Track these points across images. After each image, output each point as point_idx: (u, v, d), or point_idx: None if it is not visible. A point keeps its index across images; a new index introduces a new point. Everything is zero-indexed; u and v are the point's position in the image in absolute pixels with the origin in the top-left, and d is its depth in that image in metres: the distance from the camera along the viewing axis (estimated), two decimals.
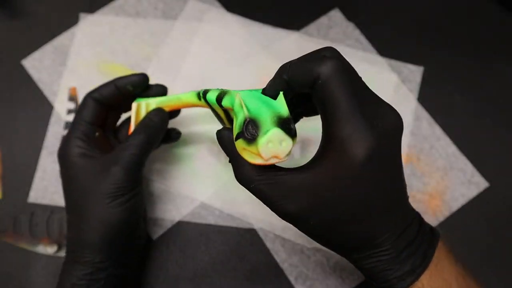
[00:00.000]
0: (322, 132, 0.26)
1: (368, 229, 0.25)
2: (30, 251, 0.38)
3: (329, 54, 0.25)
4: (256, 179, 0.26)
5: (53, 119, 0.42)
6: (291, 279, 0.38)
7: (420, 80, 0.45)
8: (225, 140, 0.28)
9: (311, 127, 0.44)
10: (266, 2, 0.47)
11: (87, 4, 0.45)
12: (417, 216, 0.27)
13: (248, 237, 0.40)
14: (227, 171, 0.41)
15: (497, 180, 0.42)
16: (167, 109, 0.36)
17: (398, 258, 0.26)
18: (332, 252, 0.38)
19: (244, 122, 0.24)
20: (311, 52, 0.26)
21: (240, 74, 0.44)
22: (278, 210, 0.26)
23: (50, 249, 0.38)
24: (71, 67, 0.43)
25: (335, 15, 0.47)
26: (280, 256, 0.39)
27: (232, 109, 0.26)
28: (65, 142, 0.34)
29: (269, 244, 0.39)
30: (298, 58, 0.26)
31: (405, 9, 0.48)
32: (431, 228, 0.28)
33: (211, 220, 0.40)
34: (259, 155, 0.24)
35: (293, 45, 0.46)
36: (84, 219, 0.32)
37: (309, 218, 0.26)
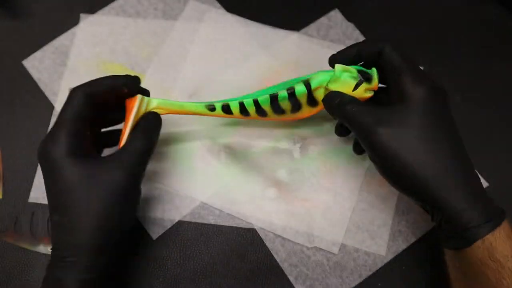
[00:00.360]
0: (389, 88, 0.36)
1: (442, 171, 0.31)
2: (31, 251, 0.38)
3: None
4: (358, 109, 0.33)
5: (53, 119, 0.42)
6: (291, 279, 0.38)
7: None
8: (336, 96, 0.35)
9: (311, 127, 0.44)
10: (266, 3, 0.47)
11: (87, 4, 0.45)
12: (484, 189, 0.32)
13: (248, 237, 0.40)
14: (228, 171, 0.41)
15: (497, 180, 0.42)
16: (165, 111, 0.36)
17: (471, 212, 0.29)
18: (332, 252, 0.39)
19: (358, 74, 0.35)
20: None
21: (240, 75, 0.44)
22: (372, 135, 0.32)
23: (50, 249, 0.38)
24: (71, 67, 0.43)
25: (335, 16, 0.47)
26: (280, 256, 0.39)
27: (324, 85, 0.36)
28: (51, 138, 0.31)
29: (269, 244, 0.39)
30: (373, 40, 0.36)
31: (405, 9, 0.48)
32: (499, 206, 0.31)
33: (211, 220, 0.40)
34: (375, 87, 0.35)
35: (293, 45, 0.46)
36: (78, 223, 0.30)
37: (394, 144, 0.31)
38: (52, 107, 0.42)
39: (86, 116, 0.32)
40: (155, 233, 0.39)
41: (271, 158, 0.42)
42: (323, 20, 0.46)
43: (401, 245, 0.40)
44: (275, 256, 0.39)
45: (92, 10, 0.45)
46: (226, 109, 0.37)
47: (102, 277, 0.31)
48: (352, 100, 0.34)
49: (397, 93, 0.33)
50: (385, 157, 0.32)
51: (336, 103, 0.34)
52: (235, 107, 0.37)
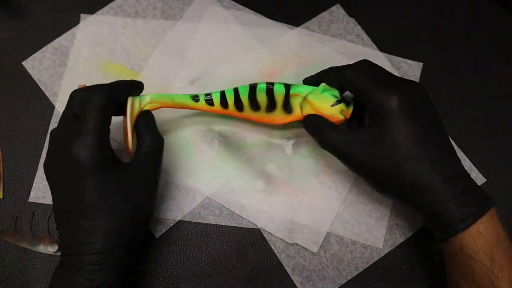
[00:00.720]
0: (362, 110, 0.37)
1: (421, 171, 0.31)
2: (31, 250, 0.38)
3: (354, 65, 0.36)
4: (335, 135, 0.35)
5: (54, 119, 0.42)
6: (288, 270, 0.38)
7: (419, 76, 0.45)
8: (314, 118, 0.37)
9: (302, 127, 0.43)
10: None
11: (86, 4, 0.45)
12: (472, 179, 0.32)
13: (248, 236, 0.39)
14: (220, 159, 0.41)
15: (494, 176, 0.41)
16: (158, 105, 0.36)
17: (456, 202, 0.30)
18: (329, 244, 0.39)
19: (339, 94, 0.37)
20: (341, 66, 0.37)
21: (240, 69, 0.44)
22: (349, 159, 0.34)
23: (51, 249, 0.38)
24: (71, 67, 0.43)
25: (337, 11, 0.46)
26: (278, 246, 0.39)
27: (302, 95, 0.37)
28: (81, 144, 0.30)
29: (266, 235, 0.39)
30: (330, 68, 0.37)
31: (406, 6, 0.47)
32: (487, 194, 0.32)
33: (211, 220, 0.40)
34: (347, 115, 0.37)
35: (293, 40, 0.45)
36: (109, 227, 0.31)
37: (372, 163, 0.33)
38: (52, 107, 0.42)
39: (109, 121, 0.32)
40: (157, 231, 0.39)
41: (263, 151, 0.42)
42: (324, 15, 0.46)
43: (399, 239, 0.40)
44: (272, 246, 0.39)
45: (91, 10, 0.45)
46: (209, 99, 0.38)
47: (122, 277, 0.32)
48: (329, 126, 0.36)
49: (373, 109, 0.33)
50: (366, 174, 0.34)
51: (313, 128, 0.37)
52: (216, 97, 0.38)
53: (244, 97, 0.38)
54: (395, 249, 0.39)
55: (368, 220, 0.40)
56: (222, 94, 0.38)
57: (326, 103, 0.36)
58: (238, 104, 0.38)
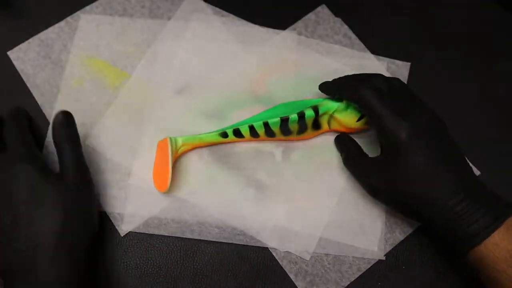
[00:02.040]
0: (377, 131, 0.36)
1: (431, 191, 0.32)
2: None
3: (370, 81, 0.35)
4: (352, 162, 0.38)
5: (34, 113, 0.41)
6: (291, 276, 0.37)
7: (407, 76, 0.45)
8: (341, 141, 0.40)
9: None
10: (253, 1, 0.47)
11: (77, 0, 0.46)
12: (491, 191, 0.32)
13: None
14: (218, 180, 0.40)
15: (487, 169, 0.41)
16: (190, 147, 0.39)
17: (469, 216, 0.30)
18: (330, 247, 0.38)
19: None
20: (359, 74, 0.38)
21: (227, 77, 0.44)
22: (365, 185, 0.36)
23: None
24: (54, 61, 0.43)
25: (322, 11, 0.46)
26: (279, 254, 0.38)
27: (329, 113, 0.39)
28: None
29: (269, 250, 0.38)
30: (348, 76, 0.39)
31: (402, 7, 0.47)
32: (507, 202, 0.32)
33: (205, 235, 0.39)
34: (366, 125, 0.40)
35: (280, 45, 0.45)
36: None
37: (385, 189, 0.34)
38: (33, 98, 0.42)
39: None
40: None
41: (252, 159, 0.41)
42: (310, 16, 0.46)
43: (399, 237, 0.39)
44: (273, 254, 0.38)
45: (80, 5, 0.46)
46: (238, 133, 0.39)
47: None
48: (351, 150, 0.39)
49: (383, 137, 0.34)
50: (382, 199, 0.36)
51: (340, 149, 0.40)
52: (245, 131, 0.39)
53: (276, 129, 0.39)
54: (395, 249, 0.39)
55: (362, 222, 0.39)
56: (252, 128, 0.39)
57: (351, 119, 0.38)
58: (269, 133, 0.39)
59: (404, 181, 0.32)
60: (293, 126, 0.39)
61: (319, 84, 0.40)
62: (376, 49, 0.45)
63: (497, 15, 0.47)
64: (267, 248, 0.38)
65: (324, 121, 0.39)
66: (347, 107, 0.38)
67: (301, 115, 0.38)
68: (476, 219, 0.30)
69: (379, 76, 0.36)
